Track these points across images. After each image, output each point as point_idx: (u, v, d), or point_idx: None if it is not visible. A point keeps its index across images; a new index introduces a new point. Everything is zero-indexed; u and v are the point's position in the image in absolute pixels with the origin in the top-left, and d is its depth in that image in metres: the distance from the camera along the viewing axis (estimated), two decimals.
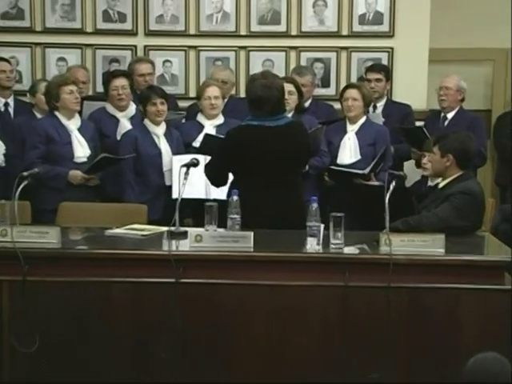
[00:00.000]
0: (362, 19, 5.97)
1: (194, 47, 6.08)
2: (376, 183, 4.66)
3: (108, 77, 5.26)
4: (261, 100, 3.94)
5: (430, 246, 3.37)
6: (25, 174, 3.59)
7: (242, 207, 3.64)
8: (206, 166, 4.17)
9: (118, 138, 4.99)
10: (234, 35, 6.03)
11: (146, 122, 4.81)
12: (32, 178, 3.63)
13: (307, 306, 3.37)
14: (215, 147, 4.17)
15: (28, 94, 5.44)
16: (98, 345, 3.38)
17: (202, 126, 4.92)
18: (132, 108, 5.13)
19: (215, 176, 4.09)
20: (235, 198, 3.62)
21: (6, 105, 5.44)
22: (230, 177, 4.06)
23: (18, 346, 3.29)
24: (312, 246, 3.43)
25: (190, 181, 3.72)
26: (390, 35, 5.96)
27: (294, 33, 6.01)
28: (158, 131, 4.80)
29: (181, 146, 4.85)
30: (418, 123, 5.48)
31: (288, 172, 4.01)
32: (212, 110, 4.93)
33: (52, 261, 3.38)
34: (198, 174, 4.12)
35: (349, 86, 5.11)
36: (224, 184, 4.08)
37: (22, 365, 3.36)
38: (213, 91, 4.93)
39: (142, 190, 4.70)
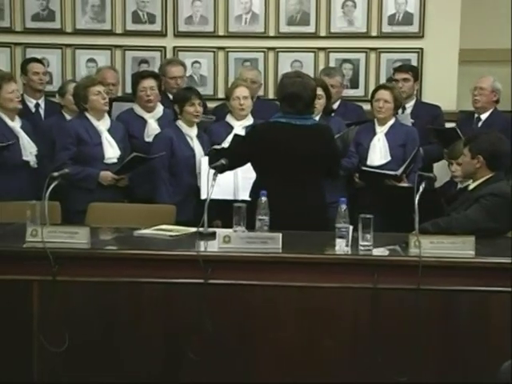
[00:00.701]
0: (392, 20, 5.94)
1: (223, 48, 6.10)
2: (406, 184, 4.63)
3: (136, 78, 5.28)
4: (295, 97, 3.95)
5: (459, 248, 3.33)
6: (55, 174, 3.61)
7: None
8: (215, 150, 4.27)
9: (146, 139, 5.02)
10: (263, 36, 6.04)
11: (180, 123, 4.82)
12: (62, 178, 3.65)
13: (336, 307, 3.35)
14: None
15: (57, 95, 5.48)
16: (127, 345, 3.39)
17: (231, 127, 4.92)
18: (159, 109, 5.15)
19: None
20: (264, 199, 3.62)
21: (37, 106, 5.50)
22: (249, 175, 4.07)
23: (47, 345, 3.31)
24: (341, 247, 3.41)
25: (218, 182, 3.73)
26: (419, 36, 5.92)
27: (322, 34, 6.01)
28: (192, 133, 4.82)
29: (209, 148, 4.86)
30: (448, 125, 5.44)
31: (309, 172, 4.00)
32: (241, 110, 4.93)
33: (81, 261, 3.39)
34: (226, 175, 4.12)
35: (381, 87, 5.09)
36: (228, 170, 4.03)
37: (51, 364, 3.38)
38: (242, 92, 4.94)
39: (175, 190, 4.71)
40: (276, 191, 3.73)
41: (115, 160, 4.74)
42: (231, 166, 4.03)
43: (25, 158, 4.74)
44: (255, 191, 4.02)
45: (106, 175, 4.67)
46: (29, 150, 4.77)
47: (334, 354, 3.35)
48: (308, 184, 3.99)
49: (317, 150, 3.99)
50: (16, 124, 4.79)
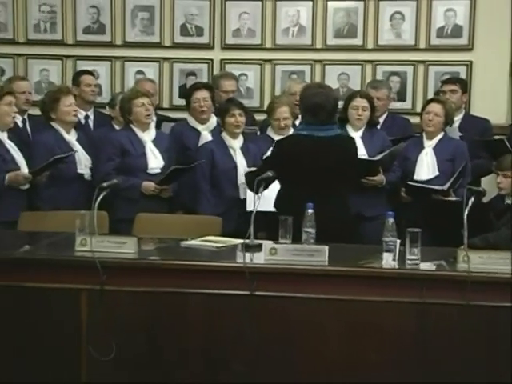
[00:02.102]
0: (441, 32, 5.90)
1: (270, 61, 6.12)
2: (454, 199, 4.57)
3: (190, 89, 5.33)
4: (317, 107, 4.00)
5: (509, 263, 3.28)
6: (104, 185, 3.65)
7: (283, 212, 3.70)
8: (250, 172, 4.28)
9: None
10: (310, 49, 6.05)
11: (224, 135, 4.86)
12: (111, 189, 3.69)
13: (382, 322, 3.32)
14: None
15: (107, 107, 5.56)
16: (172, 355, 3.41)
17: (272, 141, 4.91)
18: (213, 120, 5.18)
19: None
20: (310, 211, 3.61)
21: (87, 117, 5.56)
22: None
23: (95, 353, 3.34)
24: (388, 261, 3.39)
25: (263, 194, 3.73)
26: (469, 48, 5.87)
27: (370, 46, 5.99)
28: (235, 144, 4.84)
29: (258, 161, 4.86)
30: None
31: (331, 184, 4.01)
32: (281, 130, 4.94)
33: (129, 271, 3.41)
34: (271, 188, 4.12)
35: (433, 100, 5.04)
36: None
37: (98, 372, 3.41)
38: (282, 113, 4.94)
39: (217, 202, 4.74)
40: (299, 203, 3.73)
41: (158, 170, 4.79)
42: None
43: (80, 170, 4.80)
44: (279, 202, 4.09)
45: (148, 185, 4.71)
46: (84, 162, 4.82)
47: (379, 369, 3.32)
48: (331, 196, 3.99)
49: (339, 162, 4.02)
50: (72, 137, 4.85)
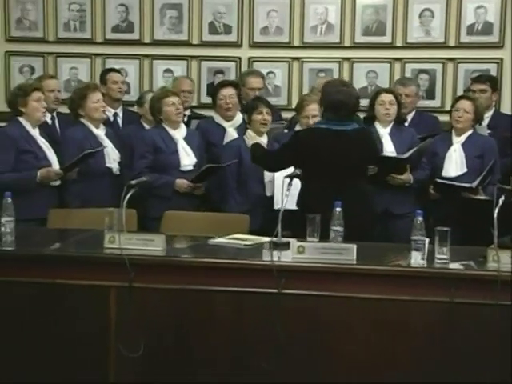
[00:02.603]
0: (471, 29, 5.85)
1: (298, 59, 6.11)
2: (483, 197, 4.53)
3: (216, 86, 5.35)
4: (340, 104, 4.05)
5: None
6: (133, 182, 3.66)
7: (304, 208, 3.71)
8: (264, 156, 4.35)
9: None
10: (338, 46, 6.03)
11: (249, 132, 4.85)
12: (140, 186, 3.70)
13: (410, 321, 3.30)
14: None
15: (136, 105, 5.58)
16: (199, 353, 3.42)
17: None
18: (239, 118, 5.20)
19: (271, 165, 4.33)
20: (338, 209, 3.60)
21: (115, 115, 5.59)
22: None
23: (123, 350, 3.36)
24: (416, 260, 3.36)
25: (290, 192, 3.73)
26: (499, 46, 5.82)
27: (399, 44, 5.96)
28: (261, 142, 4.82)
29: None
30: None
31: (351, 177, 4.04)
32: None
33: (157, 268, 3.43)
34: (298, 186, 4.12)
35: (463, 97, 5.02)
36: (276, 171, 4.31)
37: (127, 369, 3.43)
38: (311, 110, 4.91)
39: (243, 199, 4.74)
40: (320, 197, 3.72)
41: (191, 167, 4.81)
42: (271, 167, 4.33)
43: (108, 164, 4.82)
44: (301, 198, 4.09)
45: (182, 183, 4.73)
46: (112, 157, 4.85)
47: (407, 368, 3.29)
48: (351, 190, 3.98)
49: (358, 155, 4.06)
50: (101, 132, 4.88)
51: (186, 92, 5.53)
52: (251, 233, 4.01)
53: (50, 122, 5.23)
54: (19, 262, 3.48)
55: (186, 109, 5.44)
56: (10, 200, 3.67)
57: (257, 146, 4.51)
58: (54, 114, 5.30)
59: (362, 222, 3.95)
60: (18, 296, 3.47)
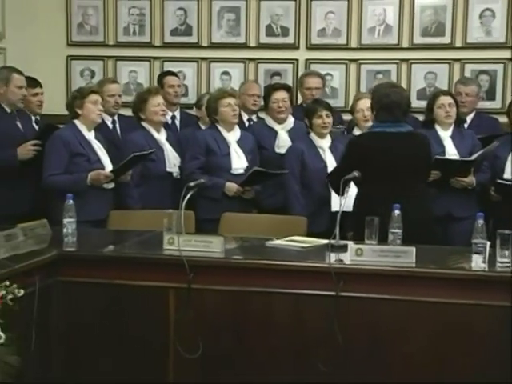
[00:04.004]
0: None
1: (355, 60, 6.08)
2: None
3: (269, 89, 5.36)
4: (393, 104, 4.02)
5: None
6: (191, 184, 3.69)
7: (363, 213, 3.65)
8: (331, 174, 4.31)
9: (276, 150, 5.09)
10: (396, 48, 5.98)
11: (312, 135, 4.85)
12: (198, 188, 3.73)
13: (470, 325, 3.25)
14: None
15: (194, 108, 5.63)
16: (257, 354, 3.43)
17: None
18: (290, 121, 5.20)
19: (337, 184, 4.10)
20: (397, 212, 3.57)
21: (173, 118, 5.64)
22: None
23: (182, 351, 3.39)
24: (477, 263, 3.32)
25: (349, 194, 3.71)
26: None
27: (458, 44, 5.88)
28: (324, 144, 4.83)
29: None
30: None
31: (408, 179, 3.98)
32: (366, 122, 4.90)
33: (215, 270, 3.45)
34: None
35: None
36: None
37: (185, 370, 3.45)
38: (364, 103, 4.90)
39: (307, 202, 4.74)
40: (378, 200, 3.68)
41: (242, 171, 4.82)
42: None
43: (168, 169, 4.87)
44: (358, 202, 4.06)
45: (232, 186, 4.75)
46: (173, 161, 4.89)
47: (467, 372, 3.25)
48: (408, 191, 3.94)
49: (414, 157, 4.02)
50: (161, 136, 4.94)
51: (255, 96, 5.55)
52: (315, 235, 3.98)
53: (110, 125, 5.30)
54: (80, 263, 3.54)
55: (254, 112, 5.48)
56: (71, 201, 3.74)
57: (330, 176, 4.48)
58: (115, 117, 5.36)
59: (420, 226, 3.89)
60: (79, 296, 3.53)
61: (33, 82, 5.11)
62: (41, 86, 5.20)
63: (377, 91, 4.20)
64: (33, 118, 5.11)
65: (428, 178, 4.30)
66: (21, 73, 4.82)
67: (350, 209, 4.05)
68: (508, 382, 3.17)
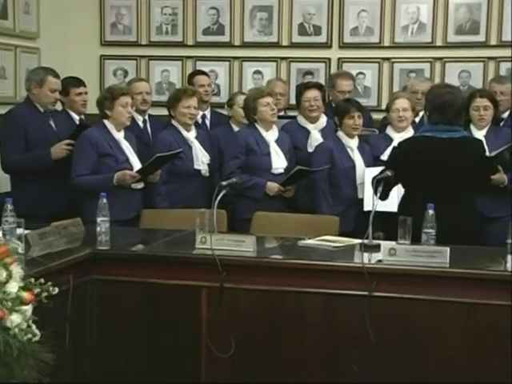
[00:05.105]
0: None
1: (388, 59, 6.06)
2: None
3: (301, 88, 5.34)
4: (446, 105, 3.91)
5: None
6: (224, 183, 3.70)
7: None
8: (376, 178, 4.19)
9: (309, 149, 5.06)
10: (430, 46, 5.94)
11: (341, 134, 4.83)
12: (231, 187, 3.73)
13: (505, 326, 3.20)
14: None
15: (226, 106, 5.64)
16: (289, 353, 3.42)
17: (390, 140, 4.86)
18: (323, 120, 5.18)
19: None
20: (431, 212, 3.54)
21: (204, 117, 5.63)
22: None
23: (214, 350, 3.39)
24: None
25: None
26: None
27: (493, 42, 5.84)
28: (352, 144, 4.81)
29: (370, 160, 4.83)
30: None
31: (457, 187, 3.90)
32: (400, 122, 4.86)
33: (247, 269, 3.44)
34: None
35: None
36: (386, 198, 4.00)
37: (218, 369, 3.46)
38: (401, 103, 4.87)
39: (335, 201, 4.72)
40: (424, 207, 3.64)
41: (282, 170, 4.82)
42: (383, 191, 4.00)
43: (196, 166, 4.86)
44: (403, 206, 4.01)
45: (273, 186, 4.74)
46: (201, 159, 4.89)
47: (502, 374, 3.20)
48: (457, 199, 3.88)
49: (465, 164, 3.90)
50: (191, 134, 4.93)
51: (278, 94, 5.52)
52: (343, 235, 3.98)
53: (141, 125, 5.32)
54: (114, 262, 3.56)
55: (278, 111, 5.47)
56: (105, 200, 3.76)
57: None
58: (146, 117, 5.37)
59: (468, 230, 3.83)
60: (112, 294, 3.55)
61: (76, 82, 5.15)
62: (84, 86, 5.22)
63: (431, 91, 4.11)
64: (77, 118, 5.14)
65: (486, 185, 4.21)
66: (57, 75, 4.81)
67: (381, 209, 4.01)
68: None
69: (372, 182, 3.78)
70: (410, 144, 4.10)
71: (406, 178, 3.94)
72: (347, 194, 4.72)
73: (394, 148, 4.18)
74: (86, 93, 5.21)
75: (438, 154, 3.90)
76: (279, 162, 4.82)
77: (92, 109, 5.14)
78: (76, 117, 5.13)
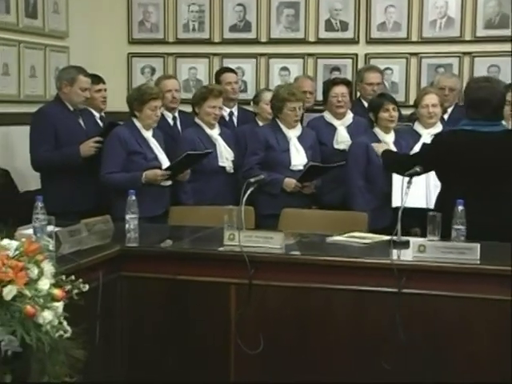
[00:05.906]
0: None
1: (416, 54, 6.02)
2: None
3: (328, 84, 5.32)
4: (483, 101, 3.83)
5: None
6: (252, 180, 3.70)
7: (449, 215, 3.53)
8: (399, 162, 4.20)
9: (335, 146, 5.06)
10: (458, 41, 5.89)
11: (377, 130, 4.79)
12: (258, 184, 3.73)
13: None
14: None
15: (252, 103, 5.64)
16: (317, 351, 3.42)
17: (419, 135, 4.82)
18: (349, 116, 5.16)
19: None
20: (460, 208, 3.51)
21: (231, 114, 5.64)
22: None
23: (243, 347, 3.39)
24: None
25: (410, 189, 3.66)
26: None
27: None
28: (389, 139, 4.77)
29: None
30: None
31: (499, 182, 3.83)
32: (429, 118, 4.82)
33: (275, 265, 3.44)
34: (418, 183, 4.03)
35: None
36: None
37: (246, 366, 3.46)
38: (431, 99, 4.82)
39: (371, 197, 4.69)
40: (466, 201, 3.59)
41: (301, 167, 4.80)
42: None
43: (221, 163, 4.89)
44: (440, 201, 3.95)
45: (290, 182, 4.73)
46: (225, 155, 4.91)
47: None
48: (498, 194, 3.81)
49: (507, 159, 3.81)
50: (215, 132, 4.95)
51: (307, 93, 5.49)
52: (381, 231, 3.92)
53: (171, 122, 5.34)
54: (143, 258, 3.58)
55: (306, 110, 5.45)
56: (134, 197, 3.78)
57: (387, 153, 4.42)
58: (176, 114, 5.39)
59: (505, 228, 3.74)
60: (141, 291, 3.57)
61: (95, 79, 5.17)
62: (104, 82, 5.24)
63: (468, 86, 4.04)
64: (97, 115, 5.17)
65: None
66: (87, 74, 4.86)
67: (410, 205, 3.97)
68: None
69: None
70: (451, 137, 3.98)
71: (446, 171, 3.88)
72: (382, 190, 4.65)
73: (432, 142, 4.10)
74: (105, 90, 5.24)
75: (478, 148, 3.82)
76: (299, 158, 4.80)
77: (112, 106, 5.19)
78: (96, 114, 5.15)
